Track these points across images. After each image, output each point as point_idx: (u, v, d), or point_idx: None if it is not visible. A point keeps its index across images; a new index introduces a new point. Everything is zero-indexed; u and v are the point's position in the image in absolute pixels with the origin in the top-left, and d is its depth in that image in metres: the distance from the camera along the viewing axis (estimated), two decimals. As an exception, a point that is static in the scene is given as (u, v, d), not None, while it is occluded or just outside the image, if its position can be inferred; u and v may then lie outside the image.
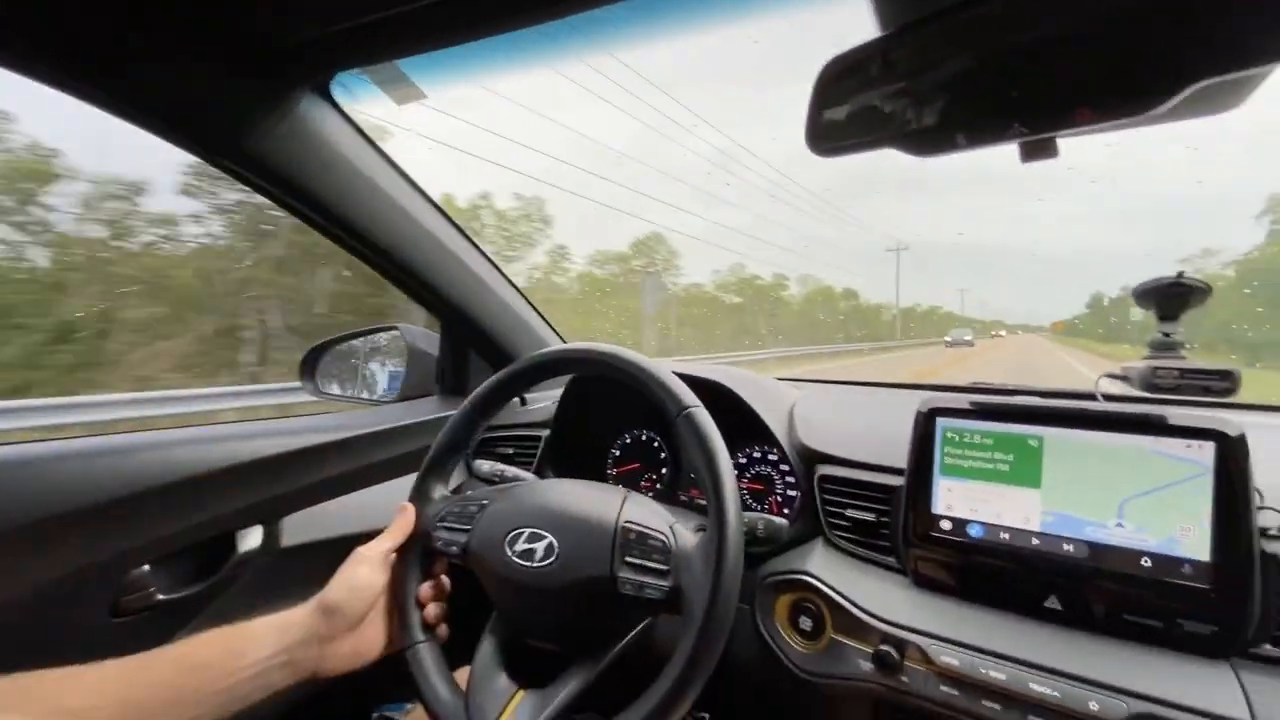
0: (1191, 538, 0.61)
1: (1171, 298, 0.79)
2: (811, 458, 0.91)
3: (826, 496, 0.87)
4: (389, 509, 0.79)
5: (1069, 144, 0.51)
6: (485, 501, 0.78)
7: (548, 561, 0.69)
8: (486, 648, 0.73)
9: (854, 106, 0.58)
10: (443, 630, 0.77)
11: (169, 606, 0.88)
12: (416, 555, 0.77)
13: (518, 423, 1.24)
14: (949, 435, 0.75)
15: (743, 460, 1.08)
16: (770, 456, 1.05)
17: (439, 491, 0.84)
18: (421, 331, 1.35)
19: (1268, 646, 0.59)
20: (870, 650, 0.71)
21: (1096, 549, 0.65)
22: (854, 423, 0.95)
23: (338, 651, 0.68)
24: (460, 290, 1.20)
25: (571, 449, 1.17)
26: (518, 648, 0.74)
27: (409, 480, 0.83)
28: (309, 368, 1.35)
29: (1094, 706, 0.59)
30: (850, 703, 0.76)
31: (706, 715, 1.17)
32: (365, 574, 0.71)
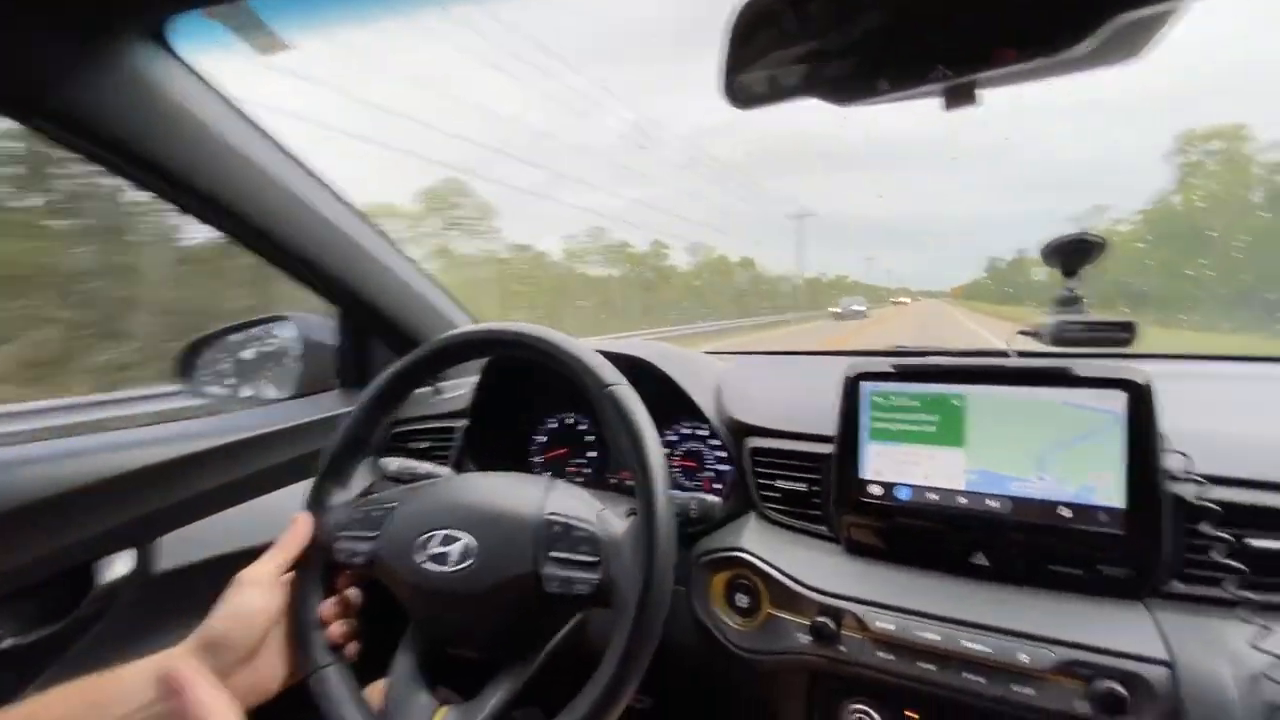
0: (1106, 485, 0.62)
1: (1073, 254, 0.81)
2: (741, 431, 0.88)
3: (758, 469, 0.85)
4: (286, 519, 0.70)
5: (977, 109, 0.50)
6: (392, 504, 0.71)
7: (465, 564, 0.63)
8: (403, 663, 0.67)
9: (770, 55, 0.54)
10: (352, 649, 0.70)
11: (15, 654, 0.75)
12: (317, 571, 0.69)
13: (431, 414, 1.15)
14: (875, 400, 0.74)
15: (672, 438, 1.05)
16: (700, 432, 1.03)
17: (339, 497, 0.75)
18: (317, 320, 1.23)
19: (1176, 584, 0.61)
20: (807, 622, 0.70)
21: (1019, 503, 0.66)
22: (782, 393, 0.93)
23: (231, 690, 0.59)
24: (355, 271, 1.08)
25: (493, 439, 1.10)
26: (438, 659, 0.68)
27: (308, 485, 0.74)
28: (186, 366, 1.19)
29: (1024, 658, 0.59)
30: (787, 676, 0.74)
31: (648, 700, 1.15)
32: (253, 599, 0.63)
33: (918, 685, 0.65)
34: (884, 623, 0.66)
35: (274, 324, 1.24)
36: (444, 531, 0.66)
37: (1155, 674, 0.55)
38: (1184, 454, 0.62)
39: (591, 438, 1.12)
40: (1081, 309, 0.80)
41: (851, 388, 0.76)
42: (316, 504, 0.72)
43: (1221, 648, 0.55)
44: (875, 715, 0.68)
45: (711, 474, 1.00)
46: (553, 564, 0.62)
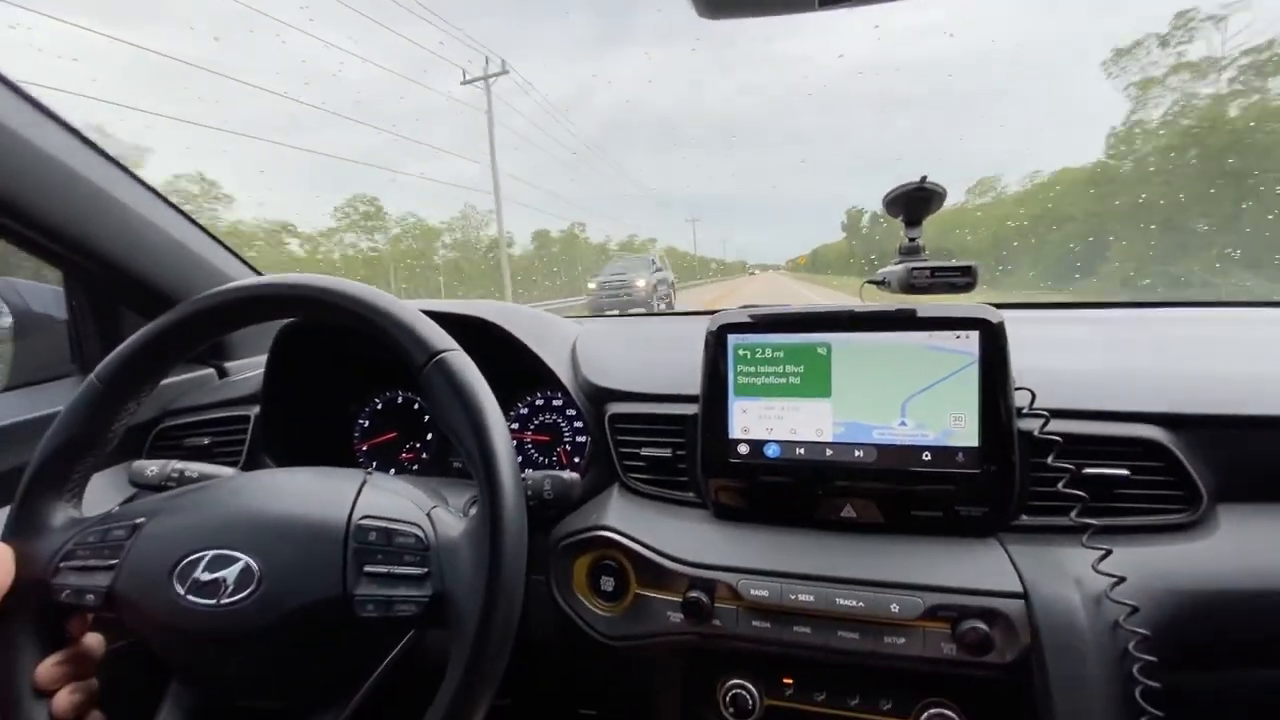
0: (963, 427, 0.62)
1: (916, 202, 0.81)
2: (600, 396, 0.79)
3: (619, 437, 0.77)
4: None
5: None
6: (139, 520, 0.53)
7: (245, 594, 0.48)
8: None
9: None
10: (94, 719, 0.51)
11: None
12: (27, 618, 0.51)
13: (215, 401, 0.92)
14: (740, 353, 0.69)
15: (524, 411, 0.93)
16: (555, 402, 0.92)
17: (61, 515, 0.55)
18: (35, 288, 0.93)
19: (1024, 517, 0.63)
20: (678, 599, 0.63)
21: (884, 450, 0.64)
22: (642, 354, 0.86)
23: None
24: (85, 220, 0.81)
25: (298, 427, 0.90)
26: (217, 715, 0.52)
27: None
28: None
29: (895, 609, 0.58)
30: (660, 660, 0.68)
31: (508, 702, 1.04)
32: None
33: (794, 650, 0.61)
34: (759, 590, 0.61)
35: (-35, 294, 0.91)
36: (212, 552, 0.49)
37: (1012, 607, 0.56)
38: (1030, 390, 0.63)
39: (428, 417, 0.97)
40: (925, 257, 0.81)
41: (717, 340, 0.70)
42: (26, 526, 0.53)
43: (1066, 573, 0.57)
44: (753, 689, 0.64)
45: (569, 446, 0.90)
46: (369, 582, 0.48)
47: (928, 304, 0.69)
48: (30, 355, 0.90)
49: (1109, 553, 0.56)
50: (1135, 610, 0.54)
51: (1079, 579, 0.57)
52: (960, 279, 0.78)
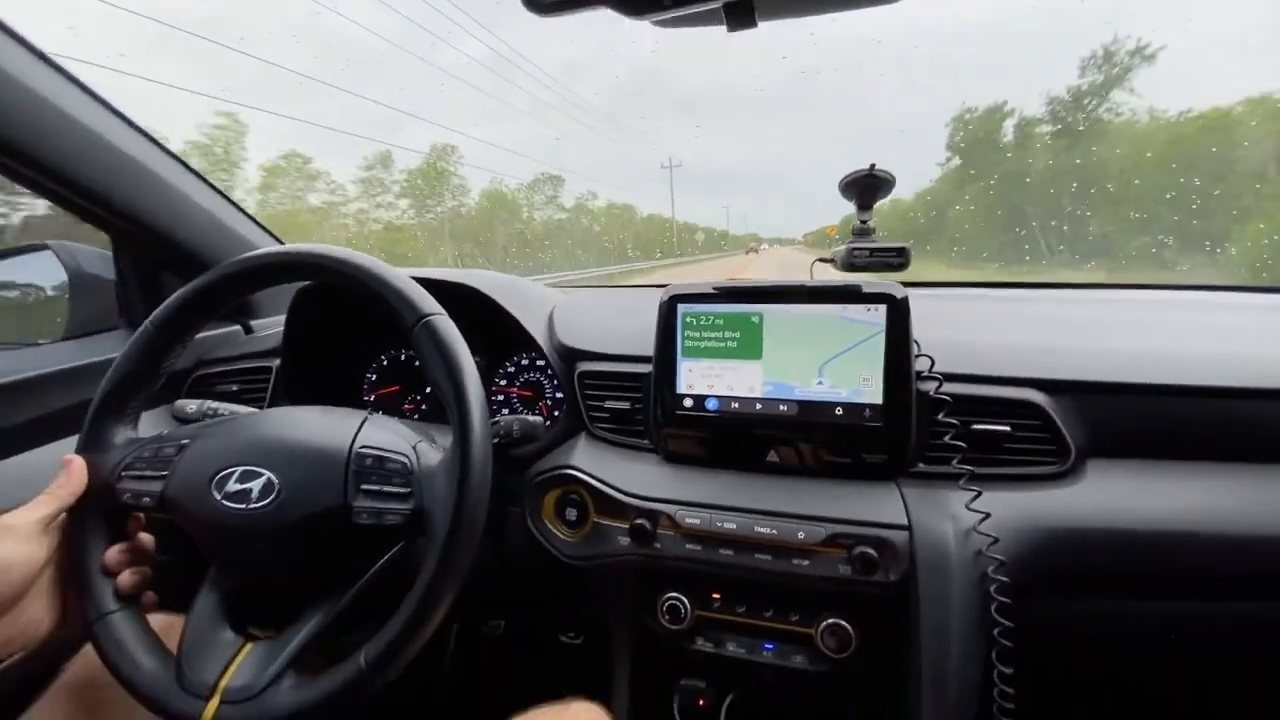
0: (870, 387, 0.72)
1: (867, 188, 0.90)
2: (571, 356, 0.91)
3: (586, 392, 0.88)
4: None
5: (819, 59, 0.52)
6: (185, 441, 0.65)
7: (267, 500, 0.60)
8: (204, 602, 0.63)
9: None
10: (149, 599, 0.65)
11: None
12: (97, 515, 0.62)
13: (242, 353, 1.05)
14: (688, 320, 0.79)
15: (510, 369, 1.05)
16: (538, 363, 1.04)
17: (121, 435, 0.68)
18: (87, 250, 1.05)
19: (921, 465, 0.74)
20: (627, 526, 0.75)
21: (804, 405, 0.75)
22: (610, 320, 0.97)
23: None
24: (133, 194, 0.93)
25: (314, 377, 1.03)
26: (244, 597, 0.65)
27: None
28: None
29: (801, 535, 0.69)
30: (611, 575, 0.80)
31: (501, 623, 1.19)
32: (9, 549, 0.55)
33: (720, 570, 0.73)
34: (692, 518, 0.73)
35: (28, 255, 1.05)
36: (242, 468, 0.62)
37: (898, 537, 0.67)
38: (930, 357, 0.73)
39: None
40: (873, 239, 0.90)
41: (668, 309, 0.80)
42: (94, 443, 0.65)
43: (946, 511, 0.68)
44: (686, 601, 0.76)
45: (549, 400, 1.02)
46: (364, 496, 0.60)
47: (870, 280, 0.78)
48: (83, 310, 1.03)
49: (979, 494, 0.67)
50: (995, 541, 0.64)
51: (954, 515, 0.68)
52: (895, 259, 0.87)
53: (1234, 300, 1.00)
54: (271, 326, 1.13)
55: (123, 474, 0.63)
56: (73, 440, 0.90)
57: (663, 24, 0.56)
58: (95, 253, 1.07)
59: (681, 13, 0.53)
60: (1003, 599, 0.63)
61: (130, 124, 0.92)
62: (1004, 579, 0.64)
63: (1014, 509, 0.67)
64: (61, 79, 0.83)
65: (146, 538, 0.67)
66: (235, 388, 1.03)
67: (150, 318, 0.67)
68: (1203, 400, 0.70)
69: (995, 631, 0.63)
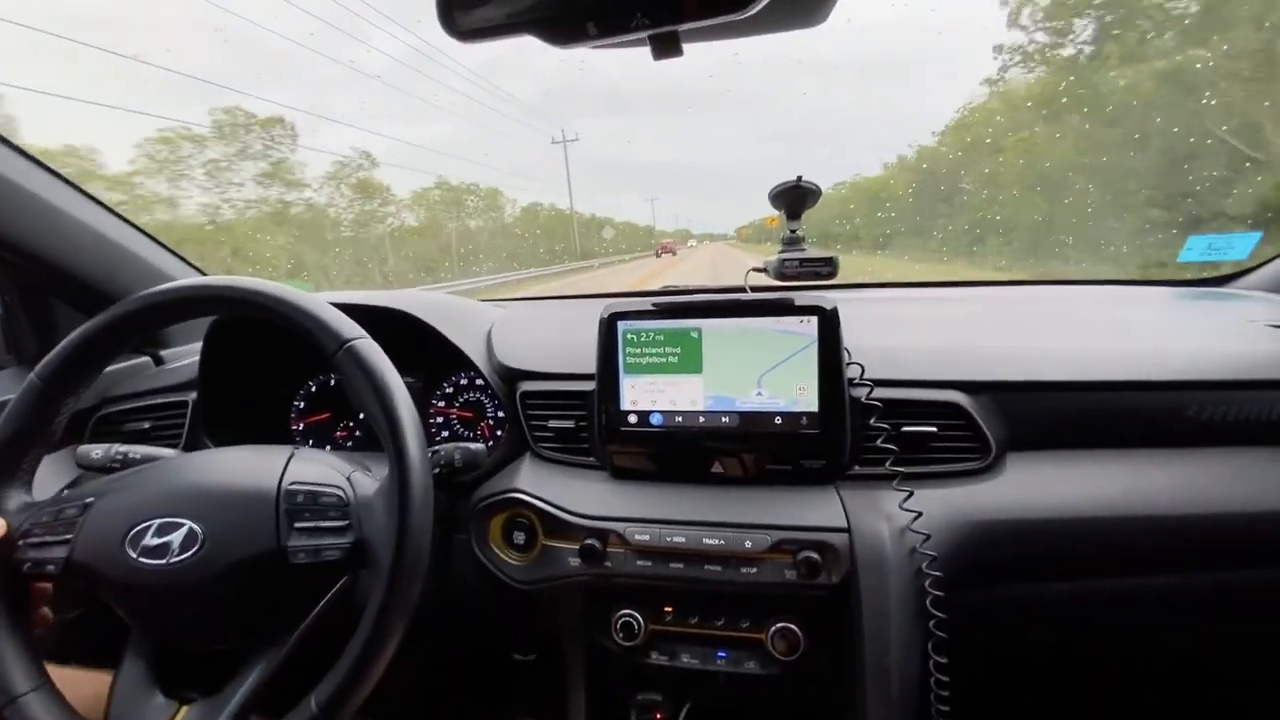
0: (806, 396, 0.75)
1: (795, 198, 0.93)
2: (511, 376, 0.89)
3: (529, 412, 0.87)
4: None
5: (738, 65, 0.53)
6: (89, 499, 0.60)
7: (189, 552, 0.57)
8: (129, 671, 0.59)
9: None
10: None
11: None
12: None
13: (153, 388, 0.98)
14: (629, 336, 0.80)
15: (449, 390, 1.02)
16: (477, 382, 1.01)
17: (15, 500, 0.62)
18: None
19: (856, 468, 0.77)
20: (577, 547, 0.75)
21: (745, 416, 0.77)
22: (550, 337, 0.96)
23: None
24: (11, 217, 0.85)
25: (235, 409, 0.97)
26: (173, 658, 0.61)
27: None
28: None
29: (748, 544, 0.71)
30: (562, 595, 0.80)
31: (448, 653, 1.15)
32: None
33: (670, 584, 0.74)
34: (642, 535, 0.74)
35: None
36: (159, 520, 0.58)
37: (838, 540, 0.70)
38: (860, 364, 0.77)
39: None
40: (802, 248, 0.93)
41: (609, 327, 0.81)
42: None
43: (881, 511, 0.72)
44: (639, 617, 0.77)
45: (491, 421, 1.00)
46: (299, 535, 0.58)
47: (801, 292, 0.81)
48: (-38, 347, 0.94)
49: (911, 494, 0.70)
50: (928, 538, 0.68)
51: (889, 515, 0.71)
52: (824, 268, 0.90)
53: (1136, 295, 1.10)
54: (184, 356, 1.06)
55: (20, 542, 0.59)
56: None
57: (583, 46, 0.57)
58: None
59: (607, 41, 0.53)
60: (936, 592, 0.67)
61: (7, 144, 0.84)
62: (937, 573, 0.67)
63: (943, 505, 0.72)
64: None
65: (46, 611, 0.62)
66: (147, 425, 0.95)
67: (36, 369, 0.62)
68: (1106, 394, 0.76)
69: (931, 624, 0.67)
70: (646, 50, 0.54)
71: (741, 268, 0.92)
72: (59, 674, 0.59)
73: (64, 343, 0.63)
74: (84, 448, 0.78)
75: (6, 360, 0.98)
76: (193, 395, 0.94)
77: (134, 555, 0.57)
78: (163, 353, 1.08)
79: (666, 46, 0.54)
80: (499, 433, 1.00)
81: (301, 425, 1.04)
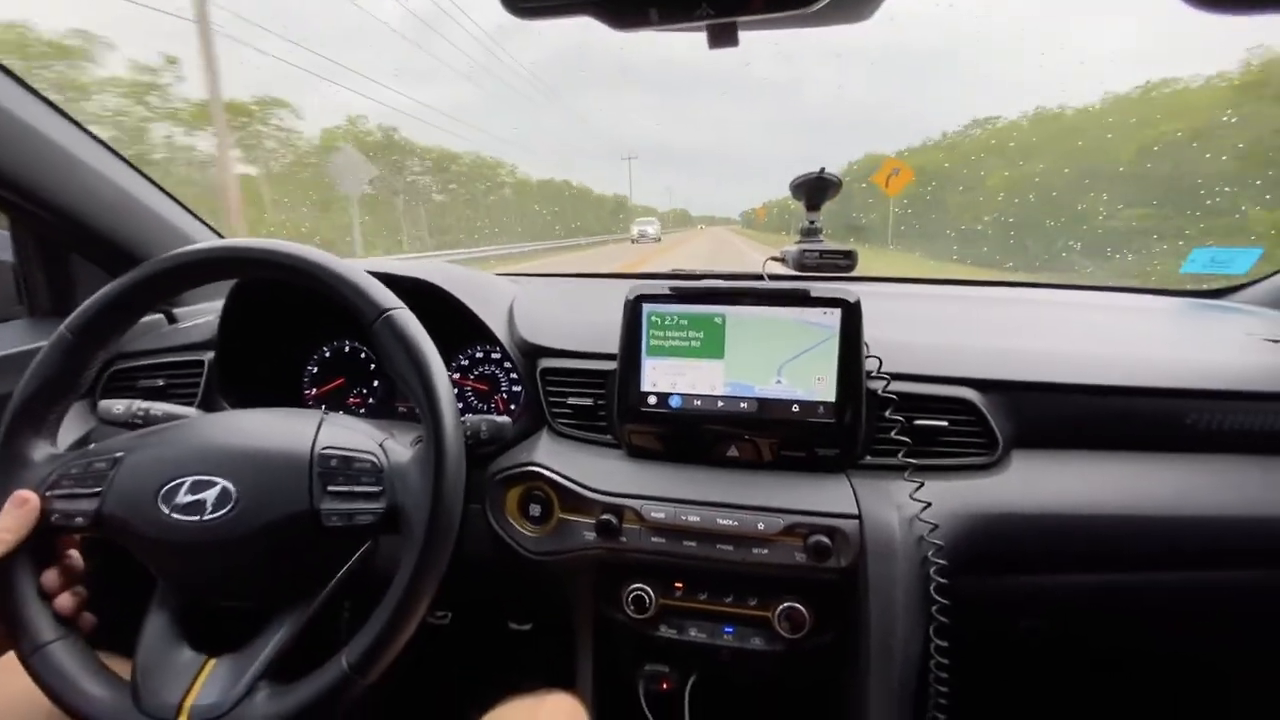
0: (824, 386, 0.77)
1: (816, 190, 0.94)
2: (533, 352, 0.90)
3: (549, 388, 0.89)
4: None
5: (755, 51, 0.54)
6: (119, 453, 0.61)
7: (223, 511, 0.58)
8: (155, 623, 0.60)
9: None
10: (86, 620, 0.61)
11: None
12: (23, 537, 0.58)
13: (167, 346, 0.98)
14: (653, 319, 0.81)
15: (465, 362, 1.03)
16: (494, 355, 1.02)
17: (41, 452, 0.63)
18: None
19: (868, 458, 0.79)
20: (593, 521, 0.77)
21: (763, 403, 0.79)
22: (571, 315, 0.97)
23: None
24: (26, 162, 0.84)
25: (250, 372, 0.97)
26: (198, 613, 0.62)
27: None
28: None
29: (761, 526, 0.73)
30: (577, 570, 0.82)
31: (448, 614, 1.18)
32: None
33: (683, 561, 0.76)
34: (657, 512, 0.76)
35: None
36: (192, 478, 0.59)
37: (849, 525, 0.72)
38: (878, 358, 0.79)
39: (374, 365, 1.06)
40: (820, 239, 0.95)
41: (633, 308, 0.82)
42: (10, 461, 0.60)
43: (891, 500, 0.74)
44: (650, 591, 0.79)
45: (505, 394, 1.02)
46: (332, 499, 0.59)
47: (819, 283, 0.82)
48: (-25, 296, 0.93)
49: (921, 484, 0.73)
50: (935, 527, 0.71)
51: (899, 504, 0.74)
52: (843, 261, 0.92)
53: (1141, 303, 1.14)
54: (197, 315, 1.05)
55: (47, 493, 0.59)
56: None
57: (641, 30, 0.57)
58: None
59: (666, 27, 0.54)
60: (941, 579, 0.70)
61: (29, 89, 0.83)
62: (942, 561, 0.70)
63: (950, 497, 0.74)
64: None
65: (76, 557, 0.62)
66: (161, 382, 0.95)
67: (66, 323, 0.62)
68: (1111, 398, 0.79)
69: (934, 609, 0.70)
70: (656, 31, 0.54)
71: (741, 255, 0.94)
72: None
73: (96, 296, 0.63)
74: (105, 402, 0.78)
75: (18, 311, 0.97)
76: (209, 355, 0.94)
77: (166, 511, 0.57)
78: (175, 311, 1.07)
79: (724, 36, 0.55)
80: (513, 406, 1.01)
81: (315, 391, 1.05)
